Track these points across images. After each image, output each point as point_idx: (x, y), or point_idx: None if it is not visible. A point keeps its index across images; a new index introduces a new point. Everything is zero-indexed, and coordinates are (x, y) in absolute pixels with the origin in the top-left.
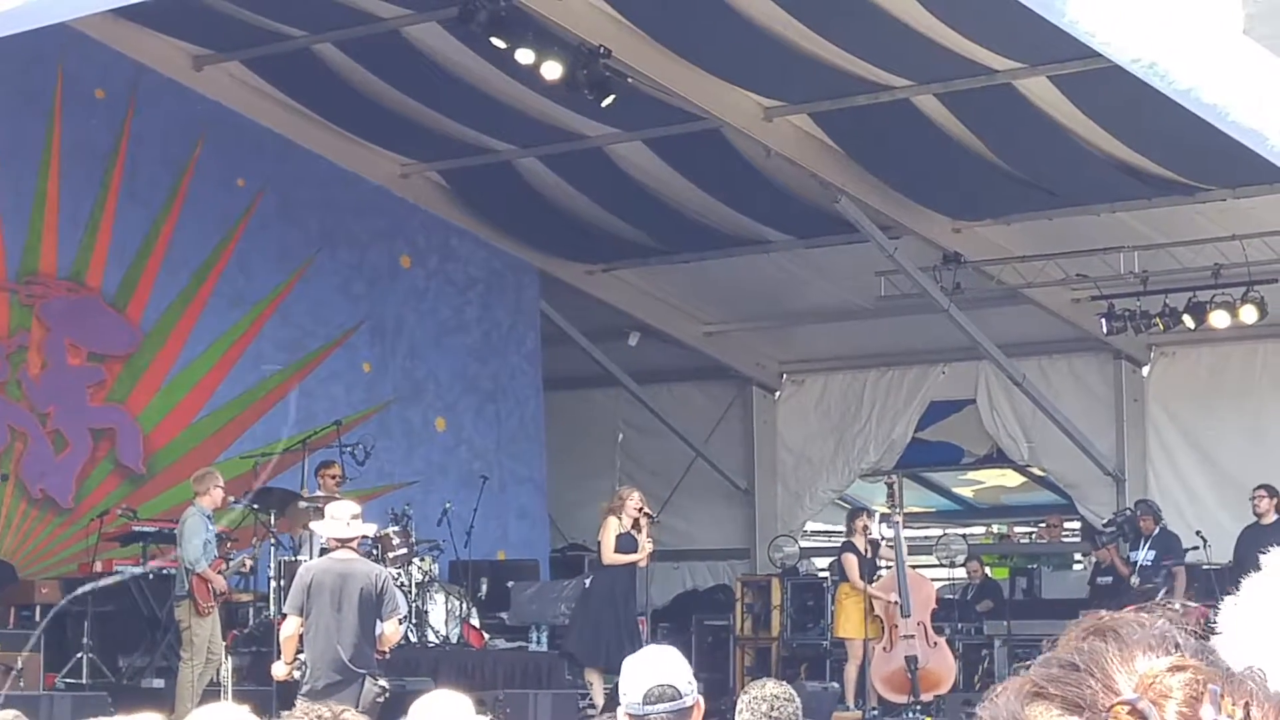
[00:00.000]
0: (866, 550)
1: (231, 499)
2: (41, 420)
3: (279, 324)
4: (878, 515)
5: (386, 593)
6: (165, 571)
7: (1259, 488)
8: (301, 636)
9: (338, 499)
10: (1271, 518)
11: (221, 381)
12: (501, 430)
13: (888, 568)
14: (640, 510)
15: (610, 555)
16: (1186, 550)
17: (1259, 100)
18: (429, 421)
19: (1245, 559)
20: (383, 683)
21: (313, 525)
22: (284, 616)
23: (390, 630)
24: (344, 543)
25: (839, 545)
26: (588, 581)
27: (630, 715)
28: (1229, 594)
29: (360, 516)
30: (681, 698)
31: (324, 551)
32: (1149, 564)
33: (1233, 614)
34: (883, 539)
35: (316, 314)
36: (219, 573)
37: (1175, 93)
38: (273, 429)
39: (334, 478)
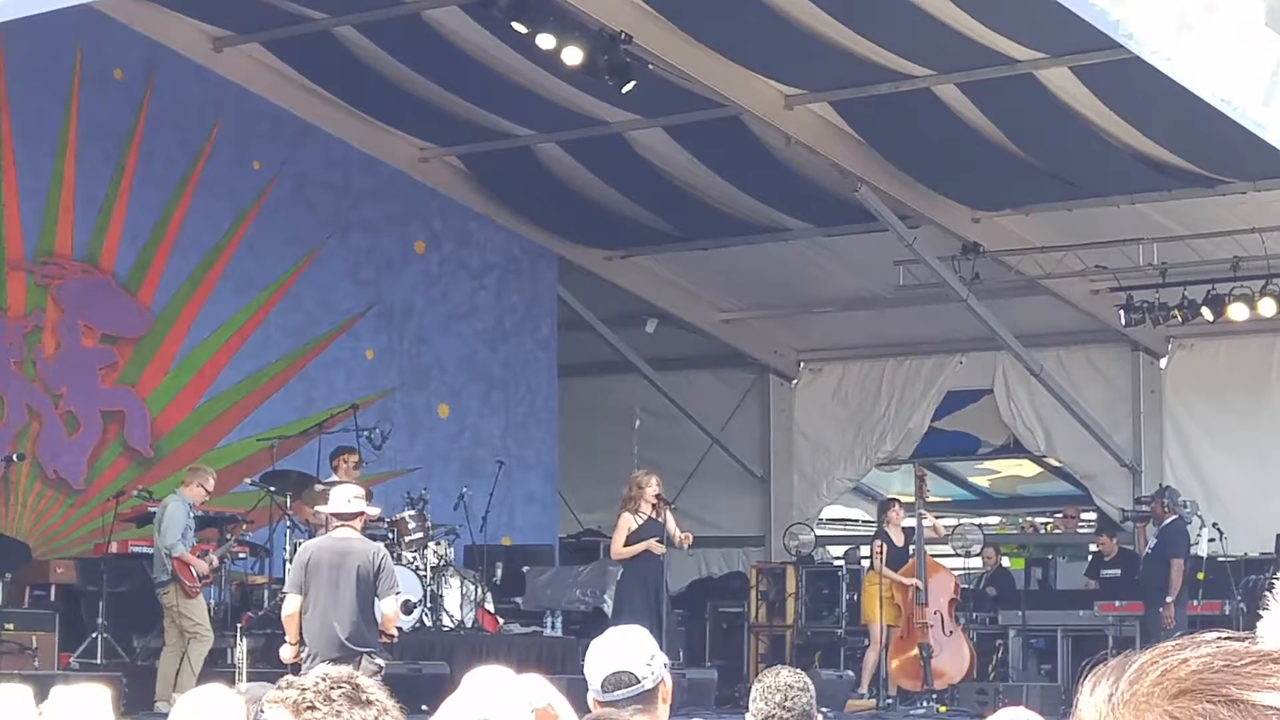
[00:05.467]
0: (898, 539)
1: (248, 480)
2: (54, 401)
3: (286, 309)
4: (901, 504)
5: (384, 570)
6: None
7: None
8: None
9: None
10: None
11: (226, 365)
12: (510, 416)
13: (912, 558)
14: (658, 496)
15: (619, 550)
16: (1210, 542)
17: (1271, 91)
18: (432, 408)
19: None
20: (379, 661)
21: (318, 507)
22: (285, 596)
23: (389, 609)
24: (344, 520)
25: (857, 533)
26: (619, 574)
27: (597, 701)
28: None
29: (364, 498)
30: (640, 682)
31: None
32: (1150, 551)
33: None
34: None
35: (324, 300)
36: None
37: (1193, 86)
38: (273, 416)
39: (355, 464)
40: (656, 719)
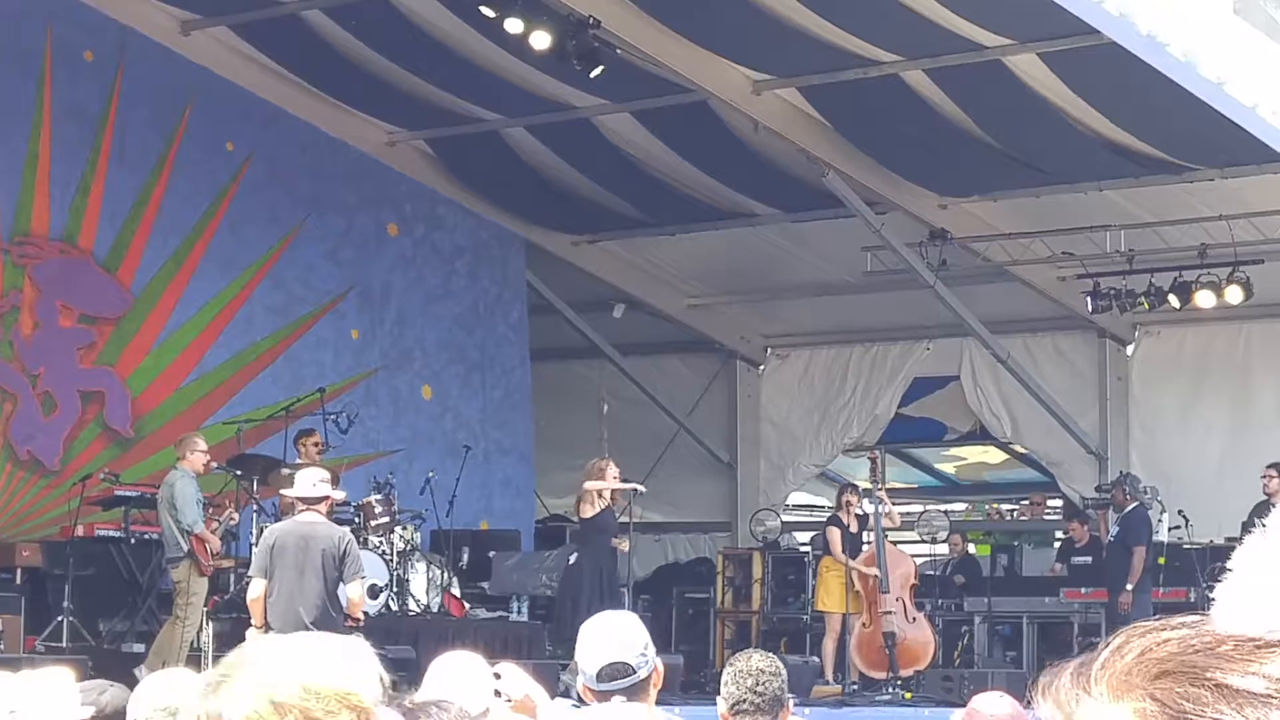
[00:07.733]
0: (853, 525)
1: (215, 464)
2: (32, 381)
3: (269, 288)
4: (860, 490)
5: (349, 554)
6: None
7: (1270, 467)
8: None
9: (317, 466)
10: None
11: (211, 346)
12: (487, 399)
13: (867, 544)
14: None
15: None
16: (1174, 529)
17: (1250, 77)
18: (415, 390)
19: None
20: None
21: (283, 490)
22: (250, 580)
23: (354, 593)
24: (310, 504)
25: (824, 519)
26: (572, 559)
27: (589, 689)
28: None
29: (329, 481)
30: (635, 672)
31: None
32: (1112, 539)
33: (1234, 579)
34: (867, 514)
35: (306, 280)
36: (211, 532)
37: (1173, 67)
38: (259, 395)
39: (315, 445)
40: (648, 704)
